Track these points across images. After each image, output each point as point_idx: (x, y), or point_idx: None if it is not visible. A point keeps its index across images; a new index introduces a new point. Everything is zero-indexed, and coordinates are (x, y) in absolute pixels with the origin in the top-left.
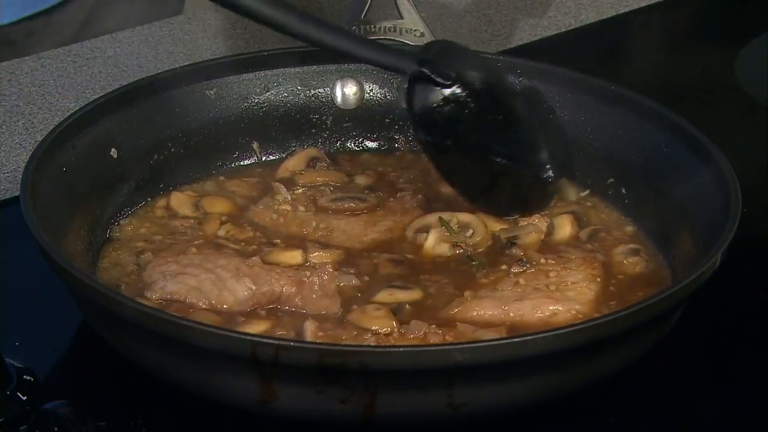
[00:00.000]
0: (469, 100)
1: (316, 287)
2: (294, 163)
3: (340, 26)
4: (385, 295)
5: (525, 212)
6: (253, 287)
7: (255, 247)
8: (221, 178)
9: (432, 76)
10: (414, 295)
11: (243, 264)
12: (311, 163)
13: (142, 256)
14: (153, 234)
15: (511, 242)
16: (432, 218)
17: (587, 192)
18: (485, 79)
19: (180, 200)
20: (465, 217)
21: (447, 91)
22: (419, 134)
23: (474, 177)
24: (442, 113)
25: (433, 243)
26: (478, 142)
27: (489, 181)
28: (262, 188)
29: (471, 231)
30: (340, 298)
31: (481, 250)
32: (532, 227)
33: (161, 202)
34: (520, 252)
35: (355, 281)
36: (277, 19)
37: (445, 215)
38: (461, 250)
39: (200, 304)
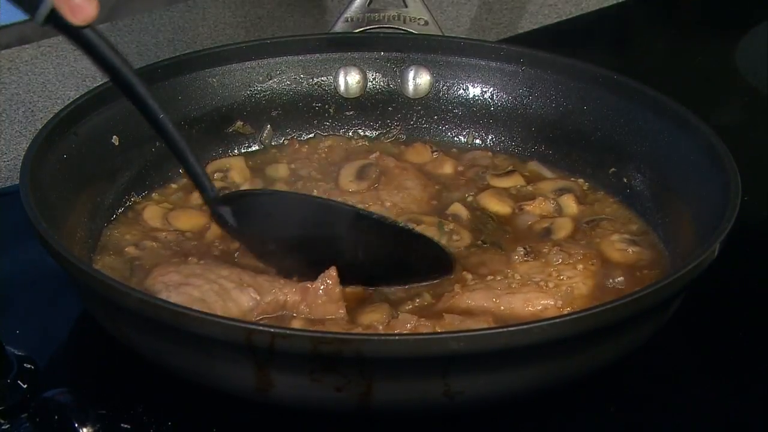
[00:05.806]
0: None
1: (320, 293)
2: None
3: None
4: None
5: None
6: (258, 297)
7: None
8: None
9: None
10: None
11: (245, 274)
12: None
13: (136, 262)
14: (140, 240)
15: (547, 230)
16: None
17: (588, 181)
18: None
19: (152, 213)
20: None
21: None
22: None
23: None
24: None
25: None
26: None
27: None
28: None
29: (458, 237)
30: (344, 302)
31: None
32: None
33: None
34: (559, 236)
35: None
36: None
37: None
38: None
39: None
